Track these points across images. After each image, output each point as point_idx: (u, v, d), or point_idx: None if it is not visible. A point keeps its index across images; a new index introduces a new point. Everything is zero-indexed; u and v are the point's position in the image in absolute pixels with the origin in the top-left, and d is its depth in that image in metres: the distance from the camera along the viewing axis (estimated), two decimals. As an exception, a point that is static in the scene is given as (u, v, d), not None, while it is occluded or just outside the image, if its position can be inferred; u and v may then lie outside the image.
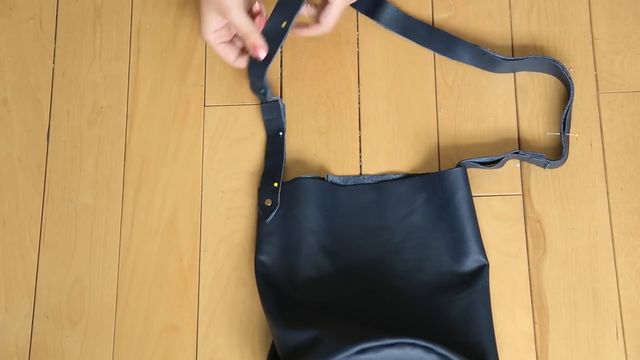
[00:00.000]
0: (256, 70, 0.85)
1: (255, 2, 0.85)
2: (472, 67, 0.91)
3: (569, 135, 0.87)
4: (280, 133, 0.89)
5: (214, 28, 0.84)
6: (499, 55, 0.89)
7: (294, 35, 0.88)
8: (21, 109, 0.94)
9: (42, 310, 0.88)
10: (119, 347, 0.86)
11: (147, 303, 0.87)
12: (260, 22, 0.85)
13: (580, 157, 0.87)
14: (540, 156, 0.84)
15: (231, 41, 0.87)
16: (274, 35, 0.84)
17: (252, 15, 0.85)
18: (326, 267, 0.84)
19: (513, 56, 0.91)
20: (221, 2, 0.81)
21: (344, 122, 0.91)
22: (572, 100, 0.87)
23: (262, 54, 0.83)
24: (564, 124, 0.86)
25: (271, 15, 0.84)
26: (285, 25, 0.84)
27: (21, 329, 0.87)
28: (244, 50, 0.87)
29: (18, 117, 0.94)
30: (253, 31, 0.83)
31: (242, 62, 0.86)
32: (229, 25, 0.85)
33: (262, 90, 0.87)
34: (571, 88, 0.87)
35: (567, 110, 0.86)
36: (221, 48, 0.86)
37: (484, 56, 0.90)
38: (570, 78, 0.87)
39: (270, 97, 0.89)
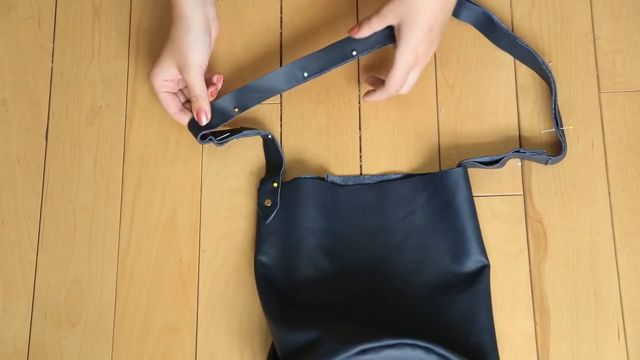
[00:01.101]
0: (193, 130, 0.86)
1: (218, 74, 0.87)
2: (473, 67, 0.91)
3: (563, 129, 0.87)
4: (269, 136, 0.89)
5: (165, 77, 0.85)
6: (496, 18, 0.89)
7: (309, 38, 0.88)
8: (19, 108, 0.94)
9: (40, 310, 0.87)
10: (117, 348, 0.86)
11: (146, 304, 0.86)
12: (212, 92, 0.86)
13: (582, 157, 0.87)
14: (541, 153, 0.84)
15: (175, 93, 0.88)
16: (221, 113, 0.86)
17: (208, 83, 0.86)
18: (326, 268, 0.84)
19: (514, 60, 0.91)
20: (185, 60, 0.82)
21: (344, 122, 0.91)
22: (555, 95, 0.87)
23: (203, 120, 0.85)
24: (556, 119, 0.86)
25: (229, 94, 0.86)
26: (237, 111, 0.86)
27: (20, 330, 0.87)
28: (185, 106, 0.88)
29: (16, 117, 0.94)
30: (204, 97, 0.84)
31: (183, 119, 0.87)
32: (179, 81, 0.86)
33: (207, 139, 0.88)
34: (552, 82, 0.87)
35: (554, 105, 0.87)
36: (165, 97, 0.86)
37: (484, 17, 0.90)
38: (550, 72, 0.87)
39: (221, 143, 0.88)
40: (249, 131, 0.89)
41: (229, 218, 0.88)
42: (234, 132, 0.88)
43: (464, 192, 0.84)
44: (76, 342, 0.86)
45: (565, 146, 0.86)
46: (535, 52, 0.88)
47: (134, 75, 0.94)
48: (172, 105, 0.87)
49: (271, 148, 0.89)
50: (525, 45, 0.88)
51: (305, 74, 0.85)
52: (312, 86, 0.92)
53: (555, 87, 0.87)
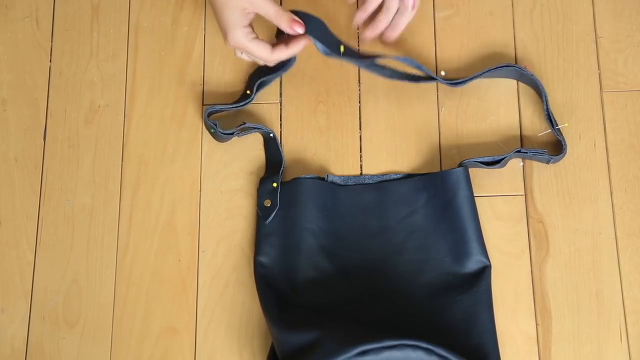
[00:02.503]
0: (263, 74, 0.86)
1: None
2: (474, 66, 0.90)
3: (559, 128, 0.86)
4: (271, 135, 0.89)
5: (242, 24, 0.80)
6: (446, 82, 0.88)
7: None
8: (17, 108, 0.93)
9: (38, 311, 0.87)
10: (116, 350, 0.85)
11: (145, 305, 0.86)
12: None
13: (584, 157, 0.87)
14: (542, 152, 0.84)
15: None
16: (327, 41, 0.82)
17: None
18: (326, 268, 0.84)
19: (516, 59, 0.90)
20: None
21: (344, 121, 0.90)
22: (545, 96, 0.86)
23: (299, 29, 0.80)
24: (550, 120, 0.86)
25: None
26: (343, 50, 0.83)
27: (17, 331, 0.86)
28: (274, 46, 0.83)
29: (14, 117, 0.93)
30: (284, 11, 0.80)
31: (280, 55, 0.82)
32: (251, 26, 0.81)
33: (212, 130, 0.88)
34: (538, 85, 0.86)
35: (546, 106, 0.86)
36: (256, 44, 0.81)
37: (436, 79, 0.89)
38: (532, 75, 0.87)
39: (224, 134, 0.88)
40: (253, 127, 0.88)
41: (229, 218, 0.88)
42: (239, 128, 0.88)
43: (465, 192, 0.83)
44: (74, 343, 0.86)
45: (565, 145, 0.85)
46: (510, 64, 0.87)
47: (133, 74, 0.94)
48: (266, 48, 0.81)
49: (271, 147, 0.89)
50: (499, 65, 0.87)
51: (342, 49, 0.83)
52: (312, 85, 0.91)
53: (543, 89, 0.86)
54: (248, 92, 0.89)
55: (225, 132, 0.88)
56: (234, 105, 0.89)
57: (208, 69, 0.93)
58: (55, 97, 0.94)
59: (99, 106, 0.93)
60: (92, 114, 0.93)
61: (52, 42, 0.96)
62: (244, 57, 0.85)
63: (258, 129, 0.89)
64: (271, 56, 0.82)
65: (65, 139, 0.92)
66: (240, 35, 0.80)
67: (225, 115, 0.90)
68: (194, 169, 0.90)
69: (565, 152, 0.85)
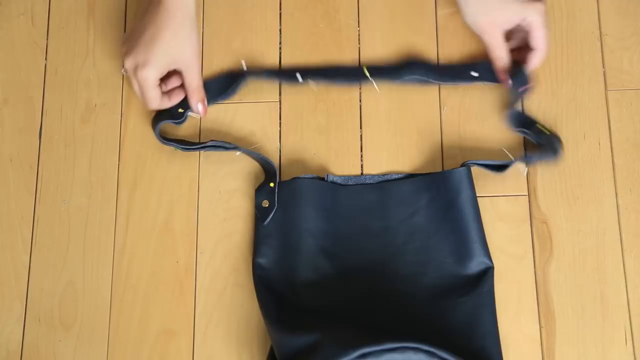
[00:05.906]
0: (159, 120, 0.88)
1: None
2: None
3: (538, 125, 0.85)
4: (237, 153, 0.88)
5: (162, 73, 0.85)
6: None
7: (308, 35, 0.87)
8: (12, 107, 0.93)
9: (34, 313, 0.86)
10: (113, 352, 0.84)
11: (142, 307, 0.85)
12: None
13: (588, 157, 0.86)
14: (548, 154, 0.83)
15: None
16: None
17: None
18: (326, 270, 0.83)
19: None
20: (191, 58, 0.85)
21: (345, 121, 0.89)
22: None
23: (202, 112, 0.88)
24: (527, 121, 0.86)
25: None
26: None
27: (12, 333, 0.86)
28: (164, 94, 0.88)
29: (9, 116, 0.92)
30: (201, 89, 0.87)
31: (163, 104, 0.88)
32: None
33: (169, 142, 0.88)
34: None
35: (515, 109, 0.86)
36: (157, 93, 0.86)
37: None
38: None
39: (186, 149, 0.88)
40: (217, 146, 0.87)
41: (227, 219, 0.87)
42: (201, 144, 0.87)
43: (467, 193, 0.83)
44: (70, 346, 0.85)
45: (558, 136, 0.85)
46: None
47: (130, 72, 0.93)
48: (158, 99, 0.86)
49: (255, 158, 0.87)
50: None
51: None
52: (311, 84, 0.91)
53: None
54: (180, 110, 0.89)
55: (186, 147, 0.88)
56: (189, 147, 0.88)
57: (206, 68, 0.92)
58: (50, 95, 0.93)
59: (96, 105, 0.92)
60: (89, 112, 0.92)
61: (47, 39, 0.95)
62: (134, 84, 0.86)
63: (222, 147, 0.87)
64: (154, 105, 0.87)
65: (61, 139, 0.91)
66: (155, 76, 0.84)
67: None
68: (192, 168, 0.89)
69: (559, 142, 0.85)
